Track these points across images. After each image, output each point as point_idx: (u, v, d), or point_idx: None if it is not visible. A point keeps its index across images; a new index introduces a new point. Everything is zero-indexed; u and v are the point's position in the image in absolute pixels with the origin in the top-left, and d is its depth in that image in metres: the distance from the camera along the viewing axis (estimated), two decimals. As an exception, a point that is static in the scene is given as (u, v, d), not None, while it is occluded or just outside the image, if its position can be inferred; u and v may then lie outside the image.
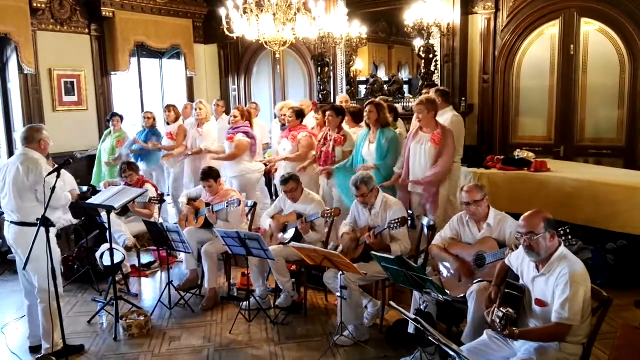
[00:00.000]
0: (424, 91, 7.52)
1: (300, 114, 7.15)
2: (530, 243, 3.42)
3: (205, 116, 8.07)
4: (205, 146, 7.89)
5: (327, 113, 6.70)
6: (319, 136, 6.95)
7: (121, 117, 8.88)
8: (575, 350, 3.43)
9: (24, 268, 4.61)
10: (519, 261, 3.73)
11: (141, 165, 8.58)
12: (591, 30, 7.94)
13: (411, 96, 9.31)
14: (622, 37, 7.67)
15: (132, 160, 8.11)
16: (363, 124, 7.19)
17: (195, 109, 8.08)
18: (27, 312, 4.93)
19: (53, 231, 4.71)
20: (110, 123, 8.80)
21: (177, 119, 8.45)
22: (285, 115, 7.48)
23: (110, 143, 8.69)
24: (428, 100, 5.91)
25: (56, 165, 4.55)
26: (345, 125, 6.88)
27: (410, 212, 6.01)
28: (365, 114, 6.28)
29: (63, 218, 6.02)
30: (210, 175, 6.09)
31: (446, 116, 6.57)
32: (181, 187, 8.14)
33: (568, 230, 3.59)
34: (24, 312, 5.40)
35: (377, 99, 6.75)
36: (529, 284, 3.59)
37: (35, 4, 8.72)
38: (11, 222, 4.68)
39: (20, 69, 8.74)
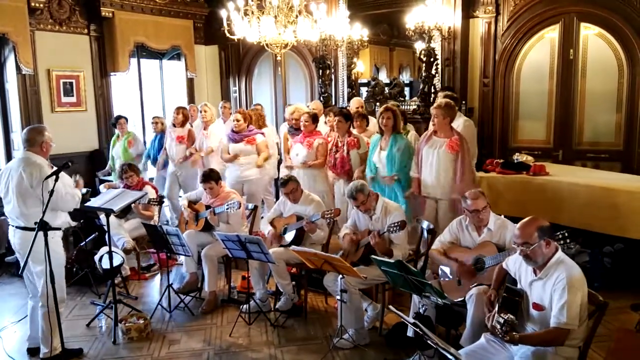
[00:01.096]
0: (440, 94, 7.45)
1: (315, 119, 7.09)
2: (526, 253, 3.44)
3: (210, 118, 8.08)
4: (215, 146, 7.87)
5: (336, 119, 6.68)
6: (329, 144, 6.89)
7: (126, 119, 8.87)
8: (571, 354, 3.46)
9: (21, 273, 4.61)
10: (516, 265, 3.76)
11: (154, 168, 8.62)
12: (590, 35, 7.95)
13: (416, 99, 9.28)
14: (621, 42, 7.69)
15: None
16: (371, 128, 7.22)
17: (201, 111, 8.07)
18: (30, 314, 4.90)
19: (59, 234, 4.72)
20: (117, 127, 8.77)
21: (185, 121, 8.40)
22: (295, 120, 7.43)
23: (122, 146, 8.65)
24: (447, 105, 5.89)
25: (54, 168, 4.54)
26: (353, 130, 6.88)
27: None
28: (381, 120, 6.20)
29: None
30: (211, 178, 6.09)
31: (459, 121, 6.57)
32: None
33: (566, 234, 3.61)
34: (21, 316, 5.43)
35: (390, 104, 6.72)
36: (527, 288, 3.62)
37: (33, 4, 8.65)
38: (16, 227, 4.66)
39: (18, 69, 8.68)
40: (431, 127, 6.13)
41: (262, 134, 7.53)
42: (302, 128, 7.08)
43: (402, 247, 4.97)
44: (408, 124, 7.43)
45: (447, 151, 5.75)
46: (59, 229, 4.66)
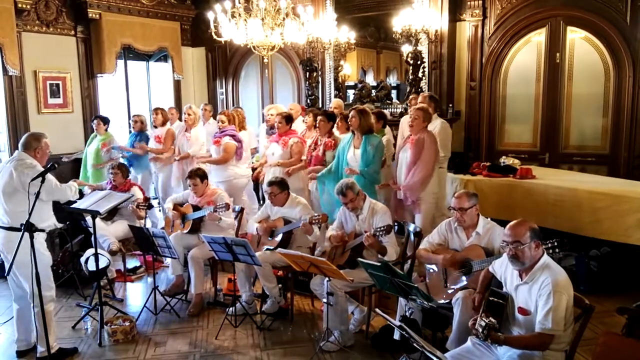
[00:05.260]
0: (411, 96, 7.53)
1: (289, 119, 7.13)
2: (515, 252, 3.45)
3: (193, 121, 8.05)
4: (194, 151, 7.89)
5: (319, 118, 6.73)
6: (308, 141, 6.98)
7: (103, 120, 8.77)
8: (557, 357, 3.47)
9: (7, 274, 4.57)
10: (502, 269, 3.76)
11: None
12: (577, 39, 8.01)
13: (398, 102, 9.36)
14: (607, 46, 7.75)
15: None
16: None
17: (185, 113, 8.05)
18: (16, 316, 4.85)
19: (43, 236, 4.68)
20: (93, 125, 8.72)
21: (164, 122, 8.42)
22: (272, 115, 7.51)
23: (96, 146, 8.61)
24: (427, 110, 6.02)
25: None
26: (335, 131, 6.91)
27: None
28: (350, 120, 6.31)
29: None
30: (197, 175, 6.12)
31: (436, 123, 6.62)
32: (169, 191, 8.10)
33: (556, 244, 3.62)
34: (7, 318, 5.38)
35: (363, 106, 6.79)
36: (512, 292, 3.62)
37: (20, 5, 8.64)
38: (0, 227, 4.62)
39: (5, 70, 8.65)
40: (402, 129, 6.24)
41: (233, 136, 7.44)
42: (274, 126, 7.16)
43: (393, 243, 4.98)
44: (387, 127, 7.46)
45: (409, 149, 5.90)
46: (43, 230, 4.62)
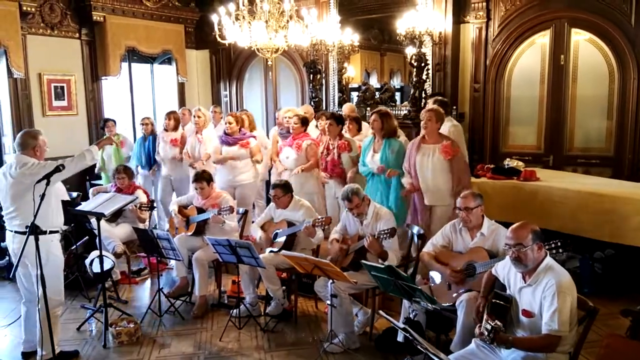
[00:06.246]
0: (429, 101, 7.48)
1: (305, 122, 7.13)
2: (518, 255, 3.45)
3: (203, 124, 8.04)
4: (207, 152, 7.86)
5: (328, 122, 6.71)
6: (320, 147, 6.94)
7: (114, 121, 8.85)
8: (561, 359, 3.46)
9: (12, 275, 4.59)
10: (505, 271, 3.76)
11: (142, 170, 8.56)
12: (581, 41, 7.98)
13: (406, 104, 9.32)
14: (612, 48, 7.72)
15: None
16: (364, 132, 7.24)
17: (194, 116, 8.05)
18: (24, 317, 4.85)
19: (57, 237, 4.70)
20: (105, 130, 8.74)
21: (177, 127, 8.40)
22: (288, 118, 7.47)
23: (113, 147, 8.59)
24: (438, 110, 5.96)
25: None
26: (346, 134, 6.90)
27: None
28: (369, 123, 6.27)
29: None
30: (203, 178, 6.14)
31: (446, 126, 6.60)
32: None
33: (559, 244, 3.62)
34: (11, 319, 5.42)
35: (384, 108, 6.76)
36: (516, 294, 3.61)
37: (25, 8, 8.65)
38: (15, 232, 4.61)
39: (10, 73, 8.65)
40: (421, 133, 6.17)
41: (254, 137, 7.53)
42: (291, 130, 7.13)
43: (395, 248, 4.99)
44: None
45: (441, 157, 5.76)
46: (56, 231, 4.63)
